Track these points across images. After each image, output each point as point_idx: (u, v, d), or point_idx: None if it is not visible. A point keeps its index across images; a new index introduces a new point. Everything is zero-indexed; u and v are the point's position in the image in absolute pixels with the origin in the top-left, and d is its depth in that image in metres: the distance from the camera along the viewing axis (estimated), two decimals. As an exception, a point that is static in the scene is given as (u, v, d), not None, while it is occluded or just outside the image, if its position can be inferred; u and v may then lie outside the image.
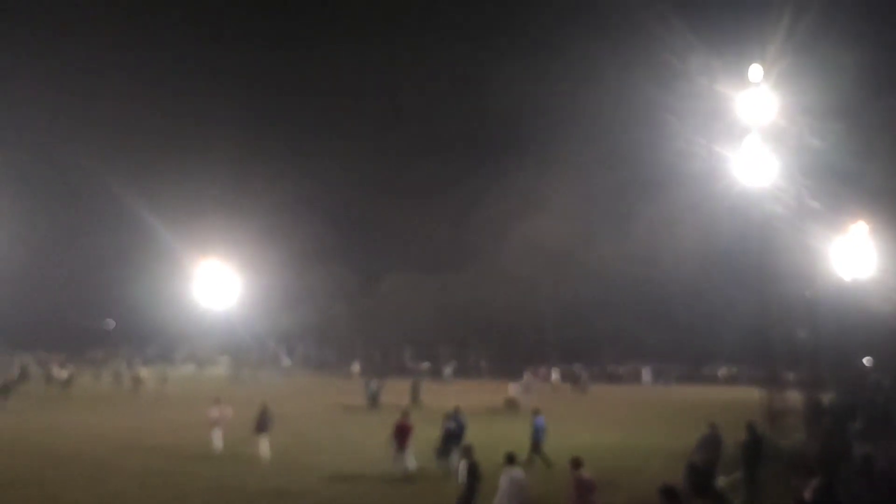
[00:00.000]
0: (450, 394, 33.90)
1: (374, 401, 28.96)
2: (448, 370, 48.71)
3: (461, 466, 11.18)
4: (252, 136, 72.32)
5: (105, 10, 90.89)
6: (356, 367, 51.82)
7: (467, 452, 11.10)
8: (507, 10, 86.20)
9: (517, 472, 9.87)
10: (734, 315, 41.47)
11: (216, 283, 56.88)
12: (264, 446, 16.62)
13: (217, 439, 17.59)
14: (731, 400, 34.62)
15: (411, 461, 14.72)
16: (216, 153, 64.72)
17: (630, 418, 27.02)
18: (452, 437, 14.98)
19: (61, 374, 36.84)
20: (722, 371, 48.52)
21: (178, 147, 71.52)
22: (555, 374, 41.74)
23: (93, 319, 74.18)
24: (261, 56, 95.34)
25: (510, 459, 9.99)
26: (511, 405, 27.91)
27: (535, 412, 16.68)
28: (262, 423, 16.84)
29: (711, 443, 13.22)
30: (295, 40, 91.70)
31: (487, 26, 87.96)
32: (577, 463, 9.65)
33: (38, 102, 66.32)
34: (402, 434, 14.85)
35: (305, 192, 60.60)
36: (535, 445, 15.78)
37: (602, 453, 17.25)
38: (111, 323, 77.92)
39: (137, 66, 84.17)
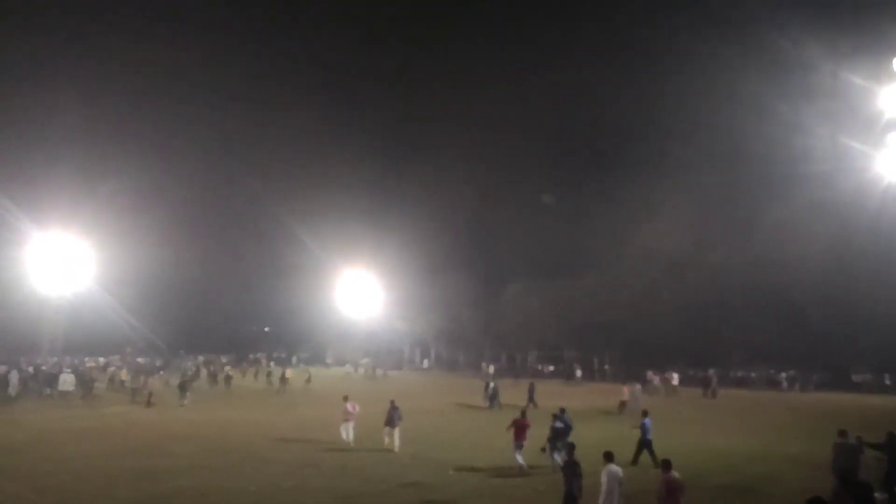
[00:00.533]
0: (570, 395, 34.89)
1: (493, 400, 30.15)
2: (578, 372, 49.74)
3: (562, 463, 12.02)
4: (391, 157, 76.79)
5: (250, 41, 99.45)
6: (491, 368, 53.59)
7: (569, 451, 11.87)
8: (618, 20, 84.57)
9: (615, 468, 10.57)
10: (872, 318, 38.61)
11: (360, 291, 61.83)
12: (394, 439, 18.35)
13: (346, 433, 19.35)
14: (871, 407, 32.24)
15: (522, 457, 15.99)
16: (360, 174, 70.43)
17: (764, 424, 26.05)
18: (559, 435, 15.85)
19: (225, 373, 41.89)
20: (862, 377, 45.05)
21: (325, 169, 78.71)
22: (675, 378, 40.65)
23: (254, 325, 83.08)
24: (397, 81, 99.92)
25: (608, 457, 10.72)
26: (623, 407, 28.12)
27: (644, 413, 17.47)
28: (391, 419, 18.56)
29: (848, 452, 12.78)
30: (427, 62, 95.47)
31: (601, 36, 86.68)
32: (667, 465, 10.48)
33: (212, 140, 75.78)
34: (519, 430, 16.09)
35: (438, 206, 63.97)
36: (643, 445, 16.44)
37: (738, 460, 17.41)
38: (267, 329, 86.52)
39: (288, 95, 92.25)
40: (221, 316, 73.26)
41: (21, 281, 46.17)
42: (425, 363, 64.99)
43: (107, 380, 37.75)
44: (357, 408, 19.70)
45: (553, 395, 31.12)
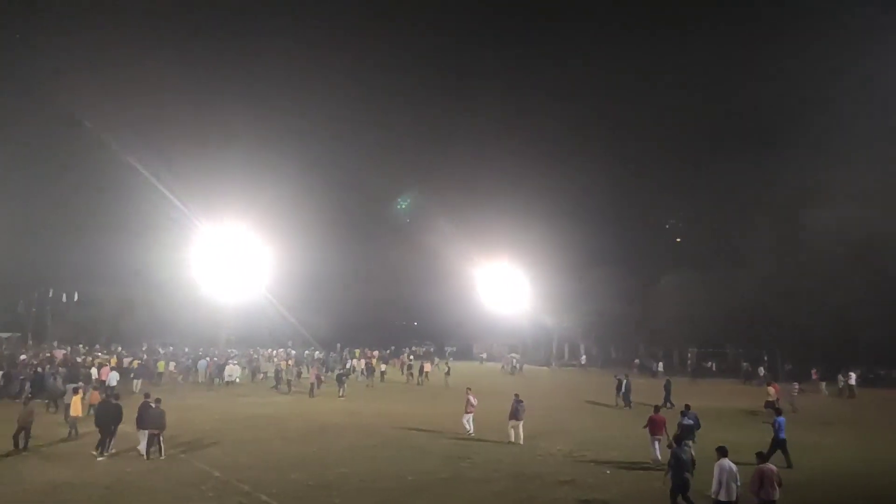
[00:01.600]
0: (750, 395, 32.59)
1: (625, 398, 29.18)
2: (760, 371, 46.02)
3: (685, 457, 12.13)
4: (532, 150, 76.54)
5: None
6: (659, 366, 51.35)
7: (677, 445, 12.42)
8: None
9: (727, 462, 10.87)
10: None
11: (506, 285, 62.28)
12: (518, 432, 18.88)
13: (468, 424, 20.11)
14: None
15: (658, 451, 16.13)
16: (501, 169, 71.04)
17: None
18: (687, 432, 15.80)
19: (379, 366, 43.96)
20: None
21: (467, 166, 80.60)
22: (853, 378, 36.14)
23: (403, 320, 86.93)
24: (536, 69, 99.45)
25: (722, 451, 11.08)
26: (769, 407, 26.02)
27: (777, 412, 17.48)
28: (515, 412, 19.04)
29: None
30: (559, 47, 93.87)
31: (759, 17, 79.92)
32: (761, 457, 11.12)
33: (368, 142, 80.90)
34: (655, 426, 16.45)
35: (585, 199, 62.94)
36: (776, 444, 16.08)
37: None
38: (415, 323, 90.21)
39: (443, 94, 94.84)
40: (374, 312, 77.28)
41: (200, 280, 51.63)
42: (582, 359, 63.87)
43: (272, 371, 40.91)
44: (476, 400, 20.41)
45: (732, 397, 29.42)
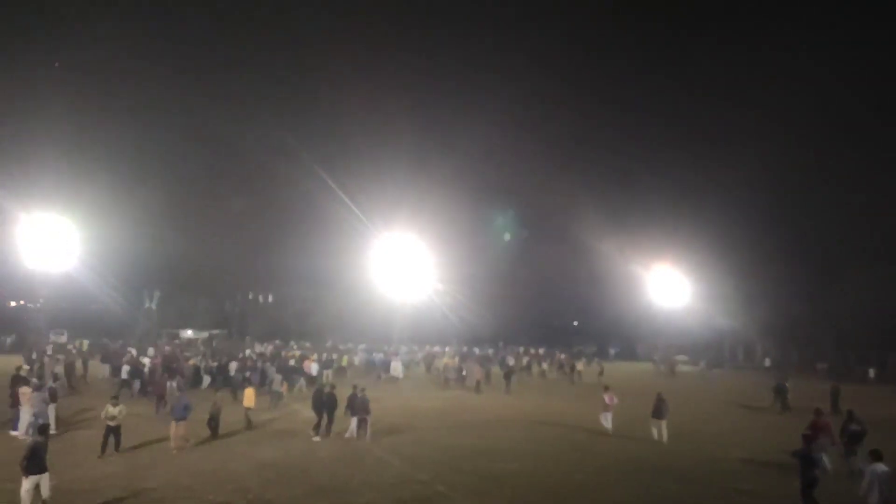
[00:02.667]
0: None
1: (782, 402, 27.26)
2: None
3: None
4: (696, 146, 72.94)
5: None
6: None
7: (806, 444, 12.43)
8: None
9: (880, 466, 10.70)
10: None
11: (672, 284, 59.69)
12: (662, 430, 19.29)
13: (606, 421, 20.78)
14: None
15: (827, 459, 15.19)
16: (663, 166, 68.48)
17: None
18: (855, 438, 15.64)
19: (540, 365, 44.28)
20: None
21: (626, 163, 78.61)
22: None
23: (563, 319, 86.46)
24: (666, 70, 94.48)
25: (875, 455, 10.94)
26: None
27: None
28: (658, 410, 19.46)
29: None
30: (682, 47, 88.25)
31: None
32: (876, 455, 10.94)
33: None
34: (817, 431, 15.42)
35: (756, 198, 58.87)
36: None
37: None
38: (575, 323, 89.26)
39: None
40: (534, 311, 77.80)
41: (376, 282, 55.36)
42: (766, 362, 59.30)
43: (433, 367, 42.75)
44: (615, 399, 21.10)
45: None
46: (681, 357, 58.65)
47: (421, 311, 59.64)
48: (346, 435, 18.91)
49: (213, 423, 18.68)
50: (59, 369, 28.74)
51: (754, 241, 54.59)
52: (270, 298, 68.85)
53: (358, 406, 19.06)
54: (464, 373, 36.82)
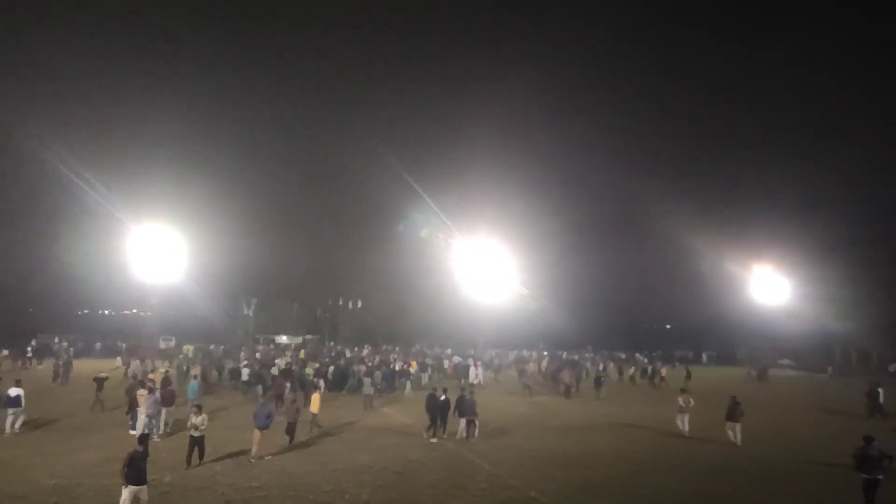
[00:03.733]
0: None
1: (873, 406, 25.63)
2: None
3: None
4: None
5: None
6: None
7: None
8: None
9: None
10: None
11: (769, 285, 56.66)
12: (736, 433, 19.55)
13: (682, 423, 21.11)
14: None
15: None
16: (767, 165, 65.91)
17: None
18: None
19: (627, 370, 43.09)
20: None
21: (722, 164, 75.96)
22: None
23: (655, 323, 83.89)
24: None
25: None
26: None
27: None
28: (732, 414, 19.74)
29: None
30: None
31: None
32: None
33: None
34: None
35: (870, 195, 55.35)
36: None
37: None
38: (668, 326, 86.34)
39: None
40: (625, 315, 76.04)
41: (460, 286, 55.77)
42: (892, 367, 54.90)
43: (518, 371, 42.32)
44: (691, 402, 21.43)
45: None
46: (784, 361, 55.41)
47: (506, 316, 59.44)
48: (458, 436, 19.79)
49: (291, 429, 18.47)
50: (196, 371, 30.19)
51: (867, 241, 51.01)
52: (359, 304, 70.58)
53: (466, 408, 20.00)
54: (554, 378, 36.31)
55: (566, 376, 34.07)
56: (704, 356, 68.68)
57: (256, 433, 16.51)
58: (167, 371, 28.76)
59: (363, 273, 72.66)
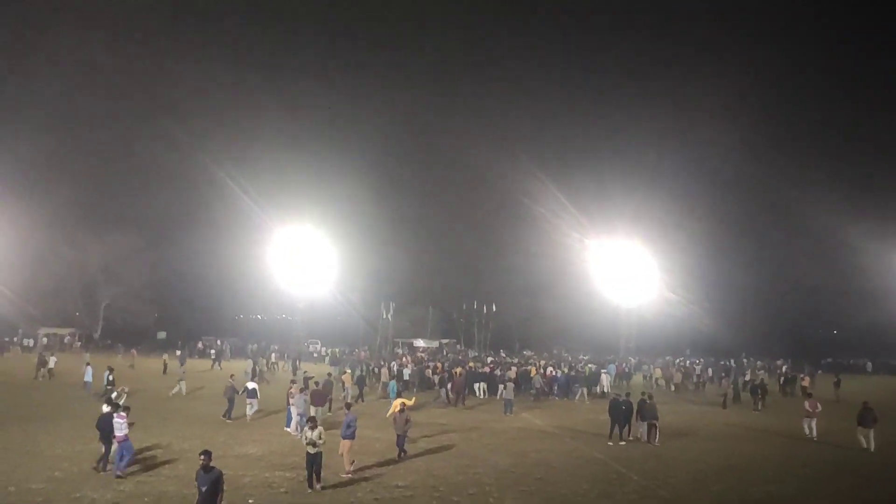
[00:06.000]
0: None
1: None
2: None
3: None
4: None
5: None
6: None
7: None
8: None
9: None
10: None
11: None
12: (869, 439, 18.98)
13: (809, 428, 21.13)
14: None
15: None
16: None
17: None
18: None
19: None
20: None
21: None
22: None
23: (820, 328, 76.67)
24: None
25: None
26: None
27: None
28: (863, 419, 19.29)
29: None
30: None
31: None
32: None
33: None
34: None
35: None
36: None
37: None
38: (834, 332, 78.56)
39: None
40: (785, 320, 70.25)
41: (597, 289, 54.15)
42: None
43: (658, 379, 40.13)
44: (819, 406, 21.41)
45: None
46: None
47: (649, 321, 56.87)
48: (640, 439, 20.10)
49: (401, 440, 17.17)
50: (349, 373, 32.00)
51: None
52: (494, 308, 70.62)
53: (647, 412, 20.15)
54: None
55: (724, 385, 31.92)
56: (869, 364, 60.65)
57: (345, 443, 15.07)
58: (329, 374, 29.94)
59: (499, 276, 72.85)
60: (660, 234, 53.46)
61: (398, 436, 17.03)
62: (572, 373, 36.67)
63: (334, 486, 13.93)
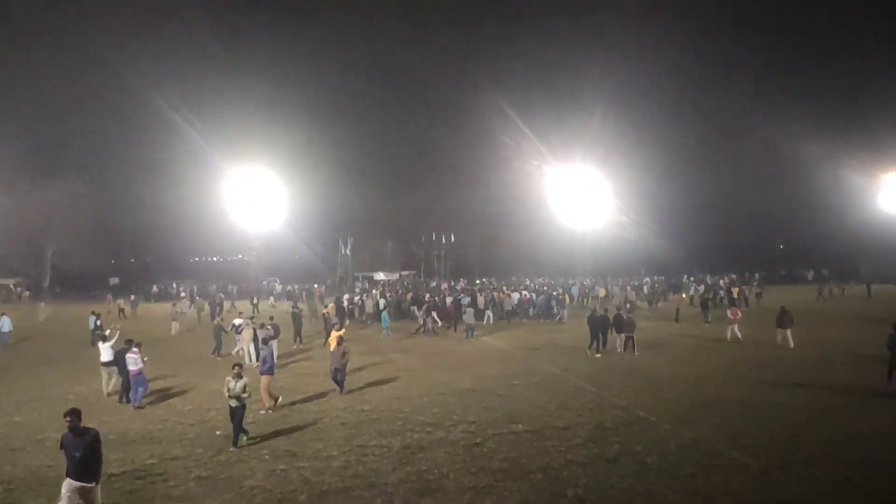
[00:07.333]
0: None
1: None
2: None
3: None
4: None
5: None
6: None
7: None
8: None
9: None
10: None
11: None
12: (785, 337, 21.76)
13: (732, 332, 23.87)
14: None
15: None
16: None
17: None
18: None
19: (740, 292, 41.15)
20: None
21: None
22: None
23: (764, 244, 79.52)
24: None
25: None
26: None
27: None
28: (781, 321, 22.07)
29: None
30: None
31: None
32: None
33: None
34: None
35: None
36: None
37: None
38: (781, 246, 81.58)
39: None
40: (731, 234, 72.42)
41: (553, 213, 54.60)
42: None
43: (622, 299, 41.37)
44: (739, 314, 24.69)
45: None
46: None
47: (603, 245, 57.95)
48: (618, 349, 21.50)
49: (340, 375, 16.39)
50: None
51: None
52: (452, 238, 70.76)
53: (626, 325, 21.54)
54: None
55: (677, 300, 33.37)
56: (811, 273, 63.77)
57: (263, 379, 14.66)
58: (294, 306, 29.83)
59: (457, 207, 72.78)
60: (615, 159, 53.80)
61: (334, 369, 16.25)
62: (554, 293, 37.69)
63: (301, 411, 14.15)
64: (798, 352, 20.98)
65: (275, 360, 16.49)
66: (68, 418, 8.01)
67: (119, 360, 16.01)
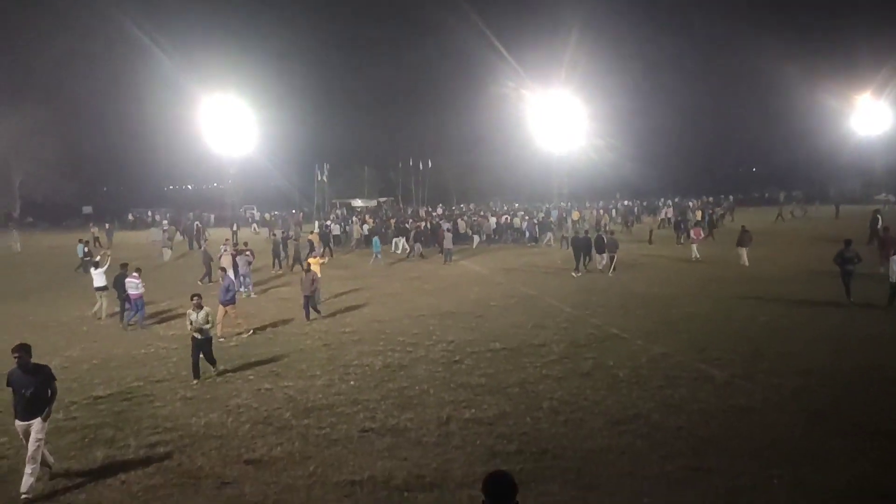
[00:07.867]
0: None
1: (871, 232, 25.56)
2: None
3: None
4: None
5: None
6: None
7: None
8: None
9: None
10: None
11: (867, 118, 51.96)
12: (743, 256, 22.84)
13: (693, 251, 25.34)
14: None
15: None
16: None
17: None
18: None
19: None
20: None
21: None
22: None
23: (740, 165, 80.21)
24: None
25: None
26: None
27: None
28: (741, 241, 23.10)
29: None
30: None
31: None
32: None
33: None
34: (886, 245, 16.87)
35: None
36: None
37: None
38: (754, 169, 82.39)
39: None
40: (707, 158, 72.89)
41: (531, 139, 54.14)
42: None
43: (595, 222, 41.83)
44: (701, 234, 26.31)
45: None
46: (882, 196, 51.80)
47: (579, 169, 57.87)
48: (599, 268, 22.75)
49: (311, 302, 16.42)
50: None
51: None
52: (430, 164, 70.18)
53: (608, 245, 22.58)
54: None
55: (650, 222, 34.07)
56: (782, 196, 64.84)
57: (220, 309, 14.53)
58: (274, 233, 30.06)
59: (435, 132, 71.77)
60: (592, 81, 52.98)
61: (305, 297, 16.16)
62: (543, 217, 38.47)
63: (286, 334, 14.44)
64: (761, 269, 21.90)
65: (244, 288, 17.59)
66: (16, 354, 7.39)
67: (118, 285, 16.27)
